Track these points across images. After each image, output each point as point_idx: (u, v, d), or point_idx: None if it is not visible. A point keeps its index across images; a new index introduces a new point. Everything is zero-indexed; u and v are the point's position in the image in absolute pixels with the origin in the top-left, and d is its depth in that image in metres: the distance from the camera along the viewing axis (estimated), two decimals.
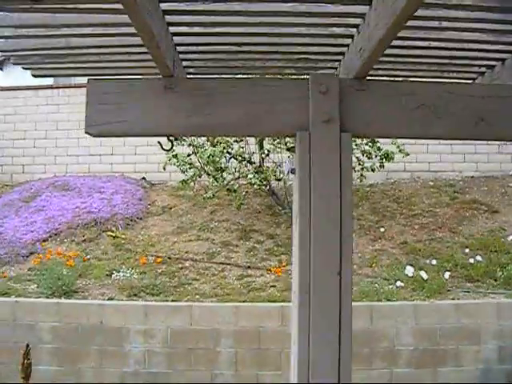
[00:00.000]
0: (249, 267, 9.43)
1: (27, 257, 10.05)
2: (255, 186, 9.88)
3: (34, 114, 13.17)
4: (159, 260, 9.52)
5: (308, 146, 2.71)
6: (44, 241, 10.42)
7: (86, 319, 7.60)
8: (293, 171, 2.87)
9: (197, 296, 8.32)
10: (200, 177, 9.58)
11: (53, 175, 12.79)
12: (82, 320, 7.60)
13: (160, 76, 2.87)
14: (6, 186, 12.82)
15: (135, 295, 8.34)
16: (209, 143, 9.17)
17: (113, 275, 9.05)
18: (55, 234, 10.57)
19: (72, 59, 3.24)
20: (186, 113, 2.81)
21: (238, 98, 2.82)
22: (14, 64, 3.19)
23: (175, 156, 8.88)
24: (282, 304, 7.62)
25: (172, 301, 7.99)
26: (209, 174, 9.45)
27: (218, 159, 8.93)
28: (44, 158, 13.00)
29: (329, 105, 2.71)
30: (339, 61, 3.18)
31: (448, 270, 8.79)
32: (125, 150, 12.73)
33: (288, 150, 9.23)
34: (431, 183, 12.04)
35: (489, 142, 12.39)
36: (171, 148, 3.16)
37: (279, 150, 9.79)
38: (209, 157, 8.77)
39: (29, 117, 13.21)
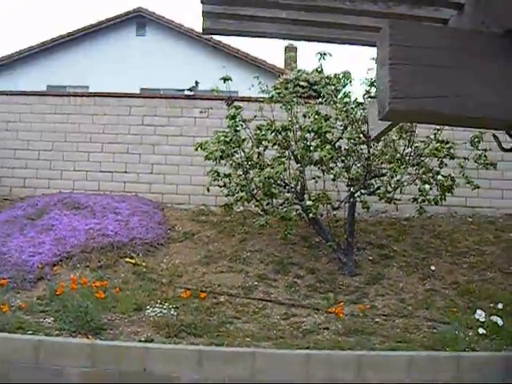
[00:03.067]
0: (292, 305, 8.44)
1: (35, 283, 8.86)
2: (294, 215, 8.95)
3: (41, 122, 11.98)
4: (189, 293, 8.43)
5: None
6: (54, 265, 9.24)
7: (126, 365, 6.44)
8: None
9: (247, 339, 7.25)
10: (249, 202, 8.60)
11: (58, 191, 11.60)
12: (120, 365, 6.44)
13: None
14: (6, 200, 11.58)
15: (175, 336, 7.22)
16: (257, 164, 8.23)
17: (143, 310, 7.92)
18: (66, 258, 9.39)
19: None
20: None
21: None
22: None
23: (228, 175, 7.88)
24: (358, 353, 6.64)
25: (227, 345, 6.88)
26: (257, 200, 8.47)
27: (273, 182, 7.98)
28: (49, 172, 11.80)
29: None
30: None
31: None
32: (140, 167, 11.67)
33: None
34: (470, 219, 11.29)
35: None
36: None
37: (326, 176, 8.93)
38: (267, 178, 7.82)
39: (34, 125, 12.01)
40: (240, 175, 8.55)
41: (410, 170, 8.37)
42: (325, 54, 8.76)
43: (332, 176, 8.28)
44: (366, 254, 9.85)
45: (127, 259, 9.41)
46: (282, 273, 9.23)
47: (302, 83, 10.50)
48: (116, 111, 11.93)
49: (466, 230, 10.85)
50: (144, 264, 9.34)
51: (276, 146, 9.20)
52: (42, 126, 11.97)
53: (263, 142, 9.28)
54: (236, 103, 9.32)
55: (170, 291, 8.56)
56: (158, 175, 11.62)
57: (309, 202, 8.25)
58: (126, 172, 11.69)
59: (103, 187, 11.60)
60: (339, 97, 8.74)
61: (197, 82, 12.80)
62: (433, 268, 9.53)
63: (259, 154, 8.70)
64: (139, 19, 21.01)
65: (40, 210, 10.61)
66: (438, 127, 8.59)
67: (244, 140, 8.87)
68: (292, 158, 9.20)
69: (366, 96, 9.05)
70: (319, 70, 8.98)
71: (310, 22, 2.35)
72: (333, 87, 9.27)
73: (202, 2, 2.26)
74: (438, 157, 8.39)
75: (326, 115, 8.47)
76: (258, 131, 9.27)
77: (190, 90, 12.58)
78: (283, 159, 8.90)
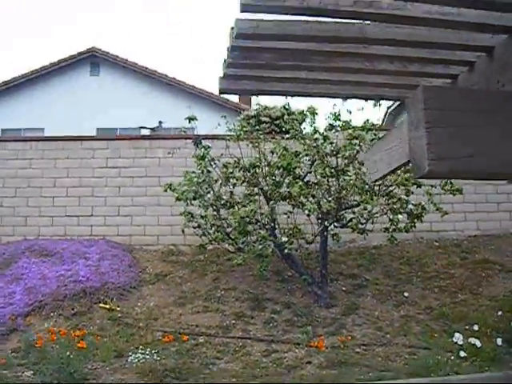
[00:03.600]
0: (272, 341, 8.44)
1: (8, 335, 8.65)
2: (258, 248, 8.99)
3: (2, 168, 11.78)
4: (170, 337, 8.35)
5: None
6: (26, 315, 9.05)
7: None
8: None
9: (233, 379, 7.21)
10: (223, 241, 8.61)
11: (23, 238, 11.38)
12: None
13: None
14: None
15: (161, 381, 7.13)
16: (228, 203, 8.28)
17: (124, 356, 7.80)
18: (39, 307, 9.20)
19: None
20: None
21: None
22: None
23: (204, 216, 7.89)
24: None
25: None
26: (231, 238, 8.49)
27: (248, 220, 8.02)
28: (13, 219, 11.58)
29: None
30: None
31: (498, 336, 8.13)
32: (106, 210, 11.57)
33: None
34: (436, 243, 11.55)
35: (488, 200, 12.19)
36: None
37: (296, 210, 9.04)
38: (242, 217, 7.86)
39: None
40: (214, 215, 8.56)
41: (381, 201, 8.53)
42: None
43: (307, 211, 8.35)
44: (339, 285, 9.95)
45: (101, 305, 9.27)
46: (259, 309, 9.24)
47: (263, 119, 10.63)
48: (79, 154, 11.84)
49: (433, 254, 11.09)
50: (119, 309, 9.22)
51: (245, 184, 9.26)
52: (4, 172, 11.77)
53: (231, 180, 9.35)
54: (203, 142, 9.37)
55: (149, 335, 8.47)
56: (124, 217, 11.53)
57: (284, 238, 8.32)
58: (92, 215, 11.56)
59: (70, 232, 11.44)
60: (307, 132, 8.88)
61: (160, 122, 12.84)
62: (406, 294, 9.70)
63: (231, 192, 8.75)
64: (93, 59, 20.96)
65: (7, 259, 10.39)
66: None
67: (216, 180, 8.92)
68: (261, 194, 9.27)
69: (328, 129, 9.22)
70: (286, 107, 9.13)
71: (328, 81, 2.45)
72: (298, 123, 9.43)
73: (226, 67, 2.33)
74: (405, 186, 8.59)
75: (296, 151, 8.60)
76: (225, 169, 9.34)
77: (153, 129, 12.60)
78: (255, 196, 8.96)
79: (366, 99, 2.69)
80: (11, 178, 11.74)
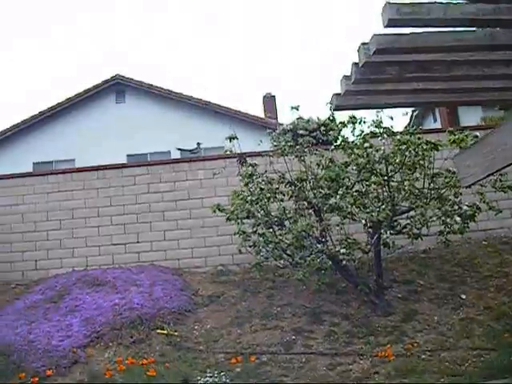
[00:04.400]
0: (336, 354, 8.35)
1: (69, 367, 8.66)
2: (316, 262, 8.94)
3: (45, 202, 11.91)
4: (238, 358, 8.31)
5: None
6: (86, 346, 9.06)
7: None
8: None
9: None
10: (281, 257, 8.59)
11: (71, 269, 11.46)
12: None
13: None
14: (20, 285, 11.38)
15: None
16: (278, 219, 8.26)
17: (190, 381, 7.77)
18: (97, 338, 9.21)
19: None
20: None
21: None
22: None
23: (262, 235, 7.88)
24: None
25: None
26: (288, 254, 8.47)
27: (305, 235, 8.01)
28: (60, 251, 11.68)
29: None
30: None
31: None
32: (152, 235, 11.62)
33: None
34: (485, 242, 11.42)
35: None
36: None
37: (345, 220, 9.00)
38: (300, 232, 7.85)
39: (39, 206, 11.93)
40: (271, 232, 8.55)
41: (433, 204, 8.45)
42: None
43: (363, 221, 8.31)
44: (394, 292, 9.86)
45: (159, 331, 9.26)
46: (317, 323, 9.17)
47: (300, 131, 10.61)
48: (120, 182, 11.93)
49: (483, 253, 10.96)
50: (176, 333, 9.21)
51: (293, 198, 9.25)
52: (47, 205, 11.89)
53: (278, 196, 9.34)
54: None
55: (211, 357, 8.44)
56: (171, 241, 11.57)
57: (343, 250, 8.28)
58: (138, 242, 11.62)
59: (117, 260, 11.50)
60: (356, 141, 8.86)
61: (198, 144, 12.90)
62: (463, 296, 9.58)
63: (284, 208, 8.74)
64: (118, 87, 21.20)
65: (60, 291, 10.45)
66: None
67: (269, 198, 8.92)
68: (310, 208, 9.25)
69: (370, 136, 9.18)
70: (331, 118, 9.11)
71: (446, 90, 2.45)
72: (336, 133, 9.42)
73: (352, 83, 2.34)
74: (456, 187, 8.52)
75: (346, 162, 8.59)
76: (270, 185, 9.33)
77: (191, 151, 12.67)
78: (304, 211, 8.95)
79: (482, 104, 2.68)
80: (55, 210, 11.87)
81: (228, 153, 9.09)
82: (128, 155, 19.18)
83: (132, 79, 21.02)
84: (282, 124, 21.33)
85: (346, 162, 8.62)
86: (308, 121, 11.82)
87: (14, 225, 11.85)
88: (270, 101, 23.03)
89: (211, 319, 9.63)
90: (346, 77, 2.35)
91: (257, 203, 8.75)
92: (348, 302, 9.66)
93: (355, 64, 2.23)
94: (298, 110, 9.33)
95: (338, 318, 9.26)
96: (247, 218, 8.83)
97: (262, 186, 8.92)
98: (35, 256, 11.73)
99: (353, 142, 8.87)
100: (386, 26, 1.90)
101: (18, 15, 50.38)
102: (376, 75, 2.33)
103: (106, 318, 9.53)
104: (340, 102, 2.59)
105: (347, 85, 2.42)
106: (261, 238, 8.40)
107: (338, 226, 8.79)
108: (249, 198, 8.74)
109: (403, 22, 1.90)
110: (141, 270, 11.01)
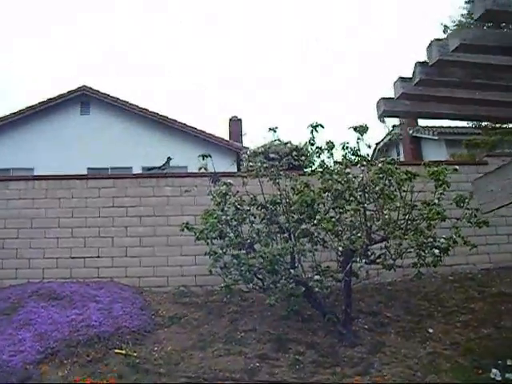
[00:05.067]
0: None
1: None
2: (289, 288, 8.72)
3: (4, 209, 11.38)
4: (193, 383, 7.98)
5: None
6: (39, 363, 8.57)
7: None
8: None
9: None
10: (252, 281, 8.32)
11: (26, 281, 10.93)
12: None
13: None
14: None
15: None
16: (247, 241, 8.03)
17: None
18: (51, 355, 8.73)
19: None
20: None
21: None
22: None
23: (236, 256, 7.61)
24: None
25: None
26: (258, 278, 8.21)
27: (279, 259, 7.78)
28: (16, 261, 11.13)
29: None
30: None
31: None
32: (113, 251, 11.20)
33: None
34: (451, 278, 11.40)
35: (498, 233, 12.12)
36: None
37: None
38: (275, 255, 7.62)
39: None
40: (245, 254, 8.28)
41: (410, 236, 8.33)
42: (317, 125, 8.77)
43: (340, 248, 8.13)
44: (360, 323, 9.69)
45: (117, 350, 8.86)
46: (282, 351, 8.90)
47: (271, 155, 10.45)
48: (84, 193, 11.52)
49: (449, 288, 10.93)
50: (136, 354, 8.80)
51: (264, 221, 9.03)
52: (6, 212, 11.38)
53: (249, 217, 9.12)
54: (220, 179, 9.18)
55: (172, 382, 8.07)
56: (133, 258, 11.19)
57: (316, 277, 8.07)
58: (98, 257, 11.20)
59: (76, 274, 11.03)
60: (336, 167, 8.73)
61: (169, 158, 12.60)
62: (430, 330, 9.47)
63: (259, 230, 8.49)
64: (83, 98, 20.76)
65: (14, 303, 9.93)
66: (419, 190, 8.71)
67: (244, 219, 8.68)
68: (280, 231, 9.06)
69: (345, 161, 9.08)
70: (311, 142, 8.95)
71: (504, 103, 2.29)
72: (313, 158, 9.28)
73: (415, 84, 2.15)
74: (431, 219, 8.45)
75: (325, 187, 8.43)
76: (241, 206, 9.11)
77: (161, 168, 12.36)
78: (276, 235, 8.76)
79: None
80: (14, 218, 11.36)
81: (203, 170, 8.80)
82: (89, 168, 18.70)
83: (98, 91, 20.61)
84: (247, 147, 21.35)
85: (325, 187, 8.46)
86: (286, 143, 11.67)
87: None
88: (235, 124, 22.92)
89: (172, 341, 9.27)
90: (402, 79, 2.16)
91: (230, 224, 8.50)
92: (314, 330, 9.43)
93: (420, 64, 2.04)
94: (275, 131, 9.18)
95: (304, 346, 9.00)
96: (219, 238, 8.57)
97: (238, 206, 8.67)
98: None
99: (330, 167, 8.74)
100: (477, 20, 1.71)
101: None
102: (441, 77, 2.15)
103: (62, 333, 9.08)
104: (389, 108, 2.41)
105: (404, 87, 2.23)
106: (234, 260, 8.13)
107: (310, 252, 8.59)
108: (223, 217, 8.49)
109: (500, 17, 1.71)
110: (100, 286, 10.58)
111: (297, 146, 10.53)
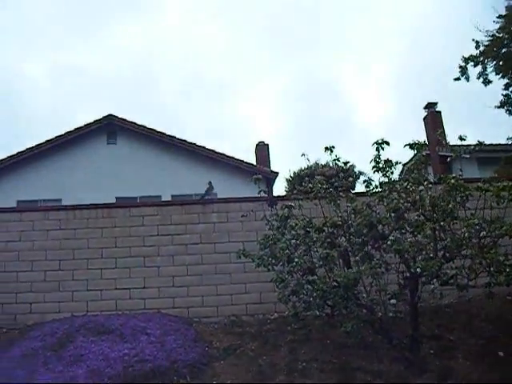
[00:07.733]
0: None
1: None
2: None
3: (44, 240, 11.05)
4: None
5: None
6: None
7: None
8: None
9: None
10: (323, 307, 7.92)
11: (70, 314, 10.57)
12: None
13: None
14: (12, 329, 10.42)
15: None
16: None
17: None
18: None
19: None
20: None
21: None
22: None
23: (311, 281, 7.21)
24: None
25: None
26: (328, 305, 7.81)
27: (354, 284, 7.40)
28: (58, 294, 10.79)
29: None
30: None
31: None
32: (160, 281, 10.83)
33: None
34: (509, 297, 10.92)
35: None
36: None
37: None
38: (350, 280, 7.23)
39: (37, 244, 11.07)
40: (320, 279, 7.86)
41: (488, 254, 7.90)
42: (382, 142, 8.47)
43: (418, 269, 7.68)
44: (425, 348, 9.24)
45: None
46: (348, 380, 8.46)
47: (317, 177, 10.09)
48: (127, 222, 11.20)
49: (510, 309, 10.46)
50: None
51: (324, 244, 8.65)
52: (47, 243, 11.05)
53: (308, 242, 8.72)
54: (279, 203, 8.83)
55: None
56: (180, 288, 10.81)
57: (393, 301, 7.67)
58: (144, 287, 10.84)
59: (121, 306, 10.68)
60: (403, 185, 8.38)
61: (210, 183, 12.29)
62: (500, 354, 9.00)
63: (327, 254, 8.09)
64: (109, 127, 20.57)
65: (61, 338, 9.54)
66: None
67: (314, 242, 8.29)
68: (340, 255, 8.67)
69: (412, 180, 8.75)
70: (377, 160, 8.60)
71: None
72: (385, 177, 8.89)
73: None
74: (500, 236, 8.04)
75: (395, 206, 8.05)
76: (308, 229, 8.70)
77: (204, 194, 12.05)
78: (335, 259, 8.39)
79: None
80: (55, 249, 11.02)
81: (262, 194, 8.48)
82: (117, 197, 18.41)
83: (124, 120, 20.42)
84: (276, 172, 21.05)
85: (396, 207, 8.04)
86: (326, 166, 11.34)
87: (7, 263, 10.94)
88: (262, 148, 22.68)
89: (230, 374, 8.83)
90: None
91: (298, 248, 8.13)
92: (378, 357, 8.98)
93: None
94: (332, 151, 8.85)
95: (371, 375, 8.55)
96: (286, 263, 8.19)
97: (308, 229, 8.29)
98: (30, 298, 10.81)
99: (396, 186, 8.38)
100: None
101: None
102: None
103: (115, 369, 8.69)
104: None
105: None
106: (308, 286, 7.72)
107: (376, 275, 8.15)
108: (293, 241, 8.12)
109: None
110: (148, 318, 10.19)
111: (343, 167, 10.13)
